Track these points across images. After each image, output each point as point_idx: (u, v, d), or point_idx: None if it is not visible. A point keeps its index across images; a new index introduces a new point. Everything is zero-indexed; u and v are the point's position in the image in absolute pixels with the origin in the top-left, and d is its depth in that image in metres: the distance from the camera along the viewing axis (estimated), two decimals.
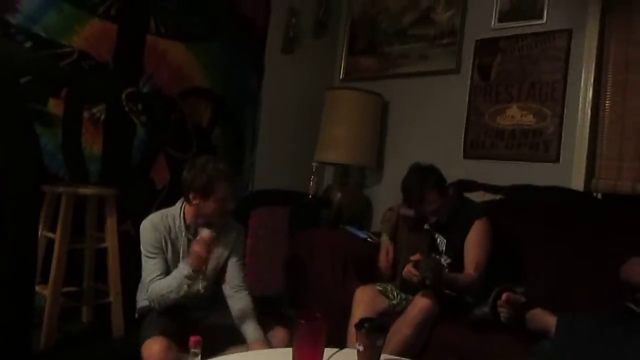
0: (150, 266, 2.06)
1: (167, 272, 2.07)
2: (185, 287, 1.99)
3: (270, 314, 2.16)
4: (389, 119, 3.70)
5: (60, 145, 2.81)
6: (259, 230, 3.29)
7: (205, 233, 1.99)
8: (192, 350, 1.20)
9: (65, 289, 2.60)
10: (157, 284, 2.02)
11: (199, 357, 1.22)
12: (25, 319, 2.52)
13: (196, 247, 1.98)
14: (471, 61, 3.28)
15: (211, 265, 2.13)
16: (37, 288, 2.56)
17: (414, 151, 3.35)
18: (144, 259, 2.08)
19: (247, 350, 1.99)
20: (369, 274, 2.63)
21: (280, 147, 3.73)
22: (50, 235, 2.55)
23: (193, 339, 1.20)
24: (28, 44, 2.66)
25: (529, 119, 3.01)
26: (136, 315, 2.16)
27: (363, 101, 3.55)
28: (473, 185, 2.93)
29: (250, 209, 3.25)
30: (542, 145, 2.95)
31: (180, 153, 3.25)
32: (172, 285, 1.99)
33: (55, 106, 2.78)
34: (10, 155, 2.60)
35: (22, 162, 2.67)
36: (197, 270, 2.00)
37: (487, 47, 3.22)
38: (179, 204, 2.17)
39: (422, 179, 2.32)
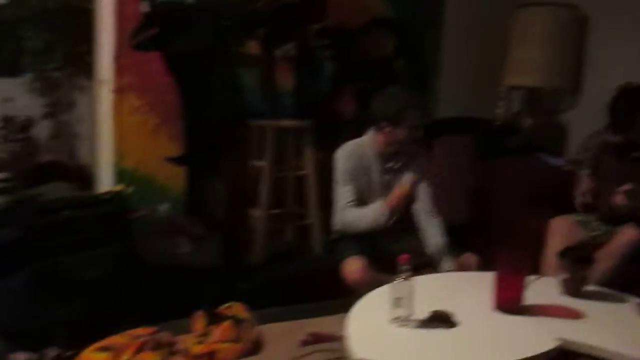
0: (344, 192, 2.21)
1: (359, 199, 2.21)
2: (377, 222, 2.15)
3: (457, 242, 2.20)
4: (589, 36, 3.31)
5: (259, 83, 3.09)
6: (442, 159, 3.27)
7: (408, 179, 2.19)
8: (403, 267, 1.29)
9: (272, 212, 2.94)
10: (351, 211, 2.19)
11: (410, 273, 1.31)
12: (241, 237, 2.95)
13: (398, 192, 2.19)
14: None
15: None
16: (249, 210, 2.94)
17: (618, 72, 2.98)
18: (338, 185, 2.23)
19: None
20: (564, 204, 2.50)
21: (465, 71, 3.57)
22: (258, 164, 2.88)
23: (403, 256, 1.29)
24: None
25: None
26: (333, 237, 2.34)
27: (557, 17, 3.23)
28: None
29: (433, 137, 3.24)
30: None
31: (365, 84, 3.34)
32: (366, 216, 2.17)
33: (252, 47, 3.04)
34: (220, 94, 2.97)
35: (230, 100, 3.03)
36: (393, 212, 2.17)
37: None
38: (369, 133, 2.27)
39: (636, 101, 2.09)
